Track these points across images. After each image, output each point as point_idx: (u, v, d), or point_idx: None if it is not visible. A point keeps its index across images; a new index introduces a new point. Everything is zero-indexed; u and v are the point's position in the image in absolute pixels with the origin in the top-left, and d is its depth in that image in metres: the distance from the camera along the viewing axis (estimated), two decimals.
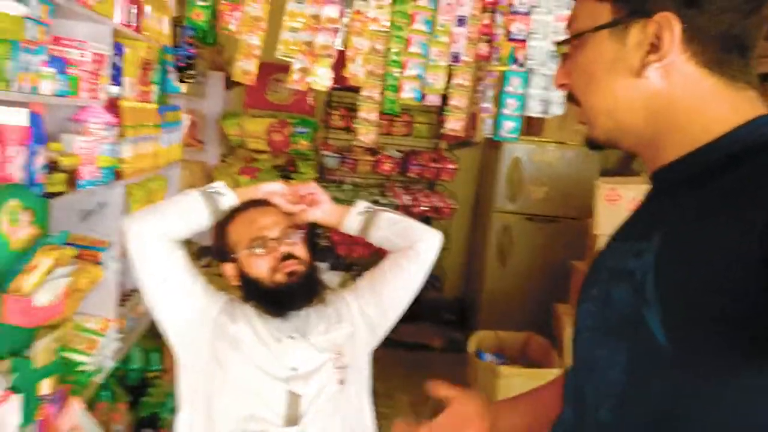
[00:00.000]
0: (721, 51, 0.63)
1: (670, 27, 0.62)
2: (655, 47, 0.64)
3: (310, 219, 1.50)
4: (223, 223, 1.45)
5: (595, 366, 0.68)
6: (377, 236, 1.51)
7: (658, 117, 0.66)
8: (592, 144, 0.74)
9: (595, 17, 0.68)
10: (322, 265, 2.85)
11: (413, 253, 1.49)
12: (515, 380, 2.64)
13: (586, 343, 0.72)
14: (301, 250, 1.42)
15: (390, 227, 1.50)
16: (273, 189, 1.49)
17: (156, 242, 1.35)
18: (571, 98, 0.75)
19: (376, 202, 3.82)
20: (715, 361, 0.56)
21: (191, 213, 1.40)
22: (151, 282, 1.37)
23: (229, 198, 1.44)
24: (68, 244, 1.45)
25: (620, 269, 0.66)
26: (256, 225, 1.41)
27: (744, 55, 0.64)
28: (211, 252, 3.44)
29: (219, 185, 1.46)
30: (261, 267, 1.38)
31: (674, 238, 0.61)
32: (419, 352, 3.96)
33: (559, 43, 0.76)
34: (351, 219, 1.51)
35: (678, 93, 0.65)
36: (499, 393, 2.64)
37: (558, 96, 2.77)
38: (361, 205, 1.54)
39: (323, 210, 1.51)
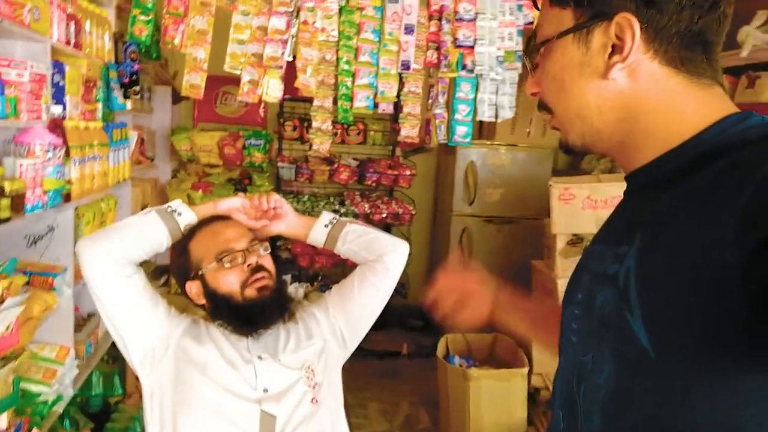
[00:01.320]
0: (684, 48, 0.63)
1: (631, 27, 0.63)
2: (617, 48, 0.64)
3: (274, 233, 1.47)
4: (184, 239, 1.40)
5: (583, 371, 0.68)
6: (344, 249, 1.48)
7: (628, 118, 0.67)
8: (568, 150, 0.74)
9: (558, 24, 0.69)
10: (285, 278, 2.82)
11: (382, 268, 1.46)
12: (485, 382, 2.66)
13: (572, 348, 0.72)
14: (269, 263, 1.39)
15: (356, 239, 1.47)
16: (232, 204, 1.45)
17: (112, 266, 1.28)
18: (543, 106, 0.75)
19: (336, 212, 3.81)
20: (699, 366, 0.56)
21: (148, 234, 1.34)
22: (110, 308, 1.31)
23: (187, 216, 1.39)
24: (18, 271, 1.38)
25: (602, 273, 0.66)
26: (222, 237, 1.36)
27: (707, 50, 0.64)
28: (168, 271, 3.36)
29: (176, 203, 1.40)
30: (231, 281, 1.33)
31: (652, 243, 0.61)
32: (388, 360, 3.96)
33: (525, 52, 0.77)
34: (316, 231, 1.48)
35: (645, 92, 0.65)
36: (471, 395, 2.65)
37: (508, 100, 2.83)
38: (326, 216, 1.50)
39: (287, 223, 1.48)
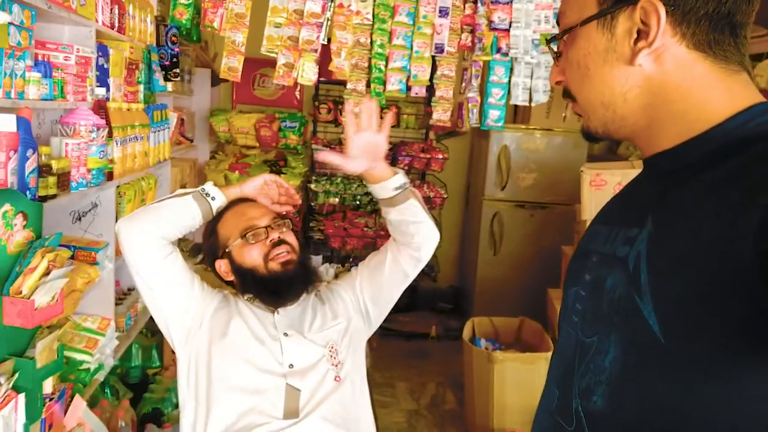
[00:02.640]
0: (712, 31, 0.62)
1: (656, 11, 0.62)
2: (643, 33, 0.63)
3: (360, 168, 1.40)
4: (213, 222, 1.49)
5: (586, 352, 0.67)
6: (390, 216, 1.46)
7: (654, 104, 0.66)
8: (589, 136, 0.74)
9: (582, 10, 0.68)
10: (316, 258, 2.88)
11: (414, 258, 1.48)
12: (510, 365, 2.68)
13: (573, 328, 0.71)
14: (292, 239, 1.46)
15: (408, 216, 1.43)
16: (257, 183, 1.50)
17: (151, 245, 1.37)
18: (567, 94, 0.74)
19: (367, 194, 3.85)
20: (709, 356, 0.55)
21: (183, 214, 1.41)
22: (149, 284, 1.39)
23: (218, 198, 1.46)
24: (63, 245, 1.47)
25: (611, 255, 0.66)
26: (246, 216, 1.46)
27: (735, 33, 0.63)
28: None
29: (208, 186, 1.48)
30: (254, 255, 1.42)
31: (666, 228, 0.60)
32: (416, 341, 4.01)
33: (549, 41, 0.76)
34: (384, 187, 1.42)
35: (672, 78, 0.64)
36: (495, 377, 2.68)
37: (542, 84, 2.80)
38: (399, 179, 1.44)
39: (376, 165, 1.42)
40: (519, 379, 2.65)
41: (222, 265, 1.48)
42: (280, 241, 1.43)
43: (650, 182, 0.70)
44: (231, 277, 1.48)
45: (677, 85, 0.64)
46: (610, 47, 0.66)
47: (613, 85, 0.67)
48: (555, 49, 0.75)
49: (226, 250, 1.45)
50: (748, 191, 0.54)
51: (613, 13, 0.65)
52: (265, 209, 1.49)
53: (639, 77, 0.65)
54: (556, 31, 0.75)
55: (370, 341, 1.58)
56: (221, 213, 1.48)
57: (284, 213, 1.52)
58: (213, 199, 1.45)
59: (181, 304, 1.41)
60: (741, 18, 0.63)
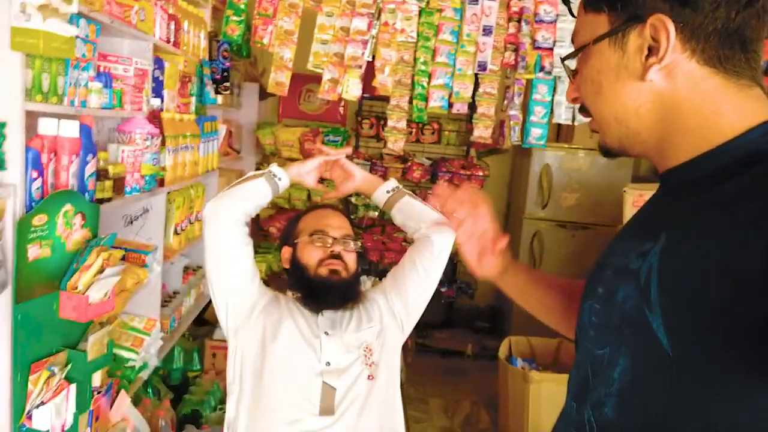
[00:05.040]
0: (722, 47, 0.63)
1: (665, 28, 0.63)
2: (654, 49, 0.65)
3: (349, 190, 1.66)
4: (300, 213, 1.64)
5: (599, 364, 0.68)
6: (397, 218, 1.63)
7: (666, 120, 0.66)
8: (605, 151, 0.75)
9: (594, 29, 0.70)
10: (365, 279, 2.92)
11: (428, 252, 1.58)
12: (546, 385, 2.65)
13: (589, 341, 0.72)
14: (350, 259, 1.54)
15: (408, 211, 1.61)
16: (315, 163, 1.63)
17: (234, 223, 1.47)
18: (583, 110, 0.76)
19: None
20: (716, 371, 0.56)
21: (257, 194, 1.53)
22: (221, 267, 1.48)
23: (284, 181, 1.57)
24: (115, 247, 1.54)
25: (624, 267, 0.66)
26: (324, 221, 1.57)
27: (746, 49, 0.63)
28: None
29: (276, 170, 1.58)
30: (312, 256, 1.52)
31: (677, 243, 0.61)
32: (452, 359, 3.99)
33: (564, 59, 0.78)
34: (379, 193, 1.64)
35: (683, 93, 0.65)
36: (531, 398, 2.65)
37: None
38: (391, 183, 1.66)
39: (355, 181, 1.64)
40: (555, 400, 2.61)
41: (286, 252, 1.60)
42: (339, 256, 1.51)
43: (664, 197, 0.71)
44: (287, 266, 1.60)
45: (688, 100, 0.65)
46: (622, 64, 0.68)
47: (626, 101, 0.68)
48: (571, 68, 0.77)
49: (295, 241, 1.57)
50: (758, 208, 0.55)
51: (624, 31, 0.67)
52: (343, 224, 1.60)
53: (650, 93, 0.66)
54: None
55: (405, 356, 1.61)
56: (309, 210, 1.65)
57: (359, 243, 1.62)
58: (279, 179, 1.55)
59: (243, 293, 1.49)
60: (751, 33, 0.63)
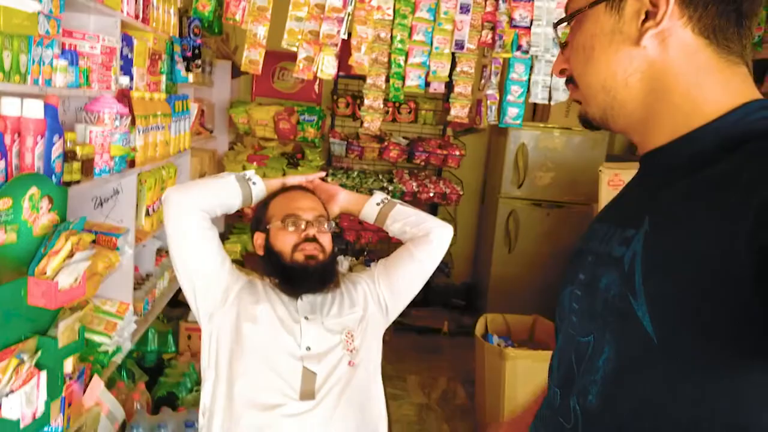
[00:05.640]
0: (718, 16, 0.63)
1: None
2: (651, 14, 0.64)
3: (334, 213, 1.62)
4: (270, 196, 1.57)
5: (583, 352, 0.67)
6: (393, 227, 1.62)
7: (654, 92, 0.66)
8: (586, 122, 0.75)
9: None
10: (342, 259, 2.91)
11: (426, 242, 1.58)
12: (522, 362, 2.68)
13: (571, 328, 0.71)
14: (326, 240, 1.51)
15: (405, 219, 1.61)
16: (298, 180, 1.64)
17: (194, 214, 1.43)
18: (571, 80, 0.75)
19: (384, 189, 3.88)
20: (701, 358, 0.56)
21: (226, 194, 1.50)
22: (186, 254, 1.45)
23: (259, 186, 1.55)
24: (85, 230, 1.51)
25: (607, 254, 0.66)
26: (295, 204, 1.52)
27: (740, 23, 0.63)
28: (222, 240, 3.52)
29: (252, 174, 1.56)
30: (286, 242, 1.48)
31: (661, 230, 0.60)
32: (429, 336, 4.03)
33: (556, 23, 0.77)
34: (369, 208, 1.63)
35: (673, 64, 0.64)
36: (506, 374, 2.69)
37: (562, 82, 2.79)
38: (379, 196, 1.65)
39: (339, 202, 1.63)
40: (530, 376, 2.65)
41: (259, 239, 1.56)
42: (314, 239, 1.48)
43: (646, 181, 0.70)
44: (261, 252, 1.55)
45: (678, 71, 0.64)
46: (617, 28, 0.67)
47: (617, 68, 0.67)
48: (560, 38, 0.76)
49: (267, 227, 1.52)
50: (741, 191, 0.54)
51: None
52: (315, 204, 1.55)
53: (642, 61, 0.66)
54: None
55: (383, 334, 1.61)
56: (278, 192, 1.58)
57: (333, 223, 1.59)
58: (254, 184, 1.53)
59: (211, 279, 1.46)
60: (748, 7, 0.63)
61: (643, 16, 0.65)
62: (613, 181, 2.67)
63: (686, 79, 0.64)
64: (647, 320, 0.58)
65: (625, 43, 0.66)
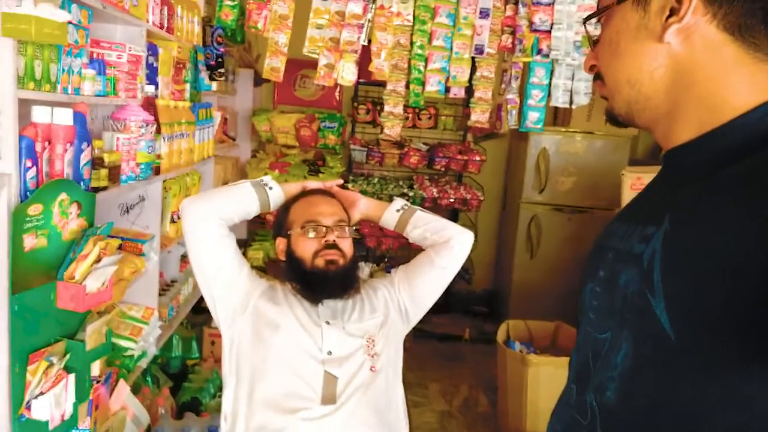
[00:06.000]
0: (744, 15, 0.62)
1: None
2: (675, 10, 0.65)
3: (355, 220, 1.62)
4: (290, 201, 1.58)
5: (601, 348, 0.67)
6: (413, 234, 1.62)
7: (679, 86, 0.66)
8: (612, 118, 0.75)
9: None
10: (365, 266, 2.92)
11: (446, 248, 1.58)
12: (544, 368, 2.66)
13: (590, 325, 0.72)
14: (347, 245, 1.51)
15: (425, 225, 1.61)
16: (316, 186, 1.64)
17: (211, 222, 1.45)
18: (598, 76, 0.76)
19: (404, 195, 3.88)
20: (719, 355, 0.55)
21: (243, 201, 1.51)
22: (204, 262, 1.47)
23: (276, 192, 1.56)
24: (112, 236, 1.53)
25: (627, 251, 0.66)
26: (315, 209, 1.53)
27: (767, 21, 0.62)
28: (245, 244, 3.55)
29: (268, 179, 1.57)
30: (307, 248, 1.49)
31: (681, 227, 0.60)
32: (450, 343, 4.01)
33: (585, 20, 0.78)
34: (389, 215, 1.63)
35: (698, 58, 0.64)
36: (529, 381, 2.66)
37: (584, 86, 2.77)
38: (399, 202, 1.65)
39: (359, 208, 1.64)
40: (553, 383, 2.63)
41: (281, 244, 1.57)
42: (334, 245, 1.48)
43: (668, 178, 0.70)
44: (283, 258, 1.56)
45: (702, 65, 0.64)
46: (642, 24, 0.68)
47: (641, 62, 0.68)
48: (592, 36, 0.77)
49: (288, 232, 1.53)
50: (762, 192, 0.54)
51: None
52: (336, 209, 1.56)
53: (666, 56, 0.66)
54: (598, 32, 0.76)
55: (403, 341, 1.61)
56: (298, 196, 1.59)
57: (354, 227, 1.59)
58: (270, 189, 1.54)
59: (230, 285, 1.47)
60: None
61: (667, 13, 0.65)
62: (636, 184, 2.64)
63: (711, 74, 0.64)
64: (665, 318, 0.58)
65: (650, 39, 0.67)
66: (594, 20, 0.76)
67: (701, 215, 0.59)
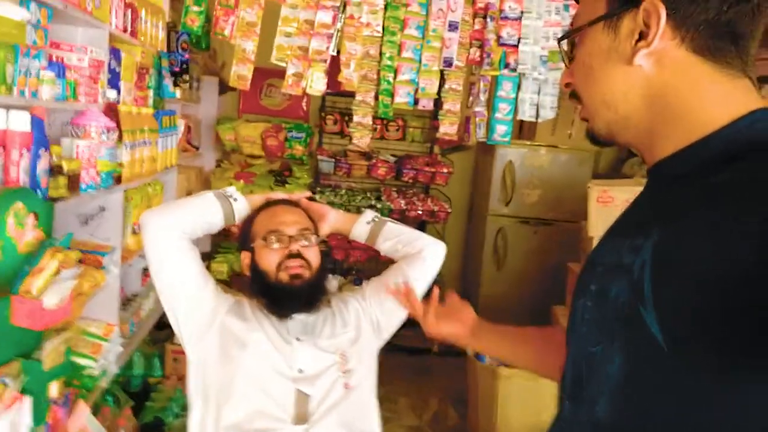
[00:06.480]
0: (712, 38, 0.63)
1: (657, 13, 0.63)
2: (644, 34, 0.65)
3: (324, 233, 1.57)
4: (254, 213, 1.51)
5: (592, 361, 0.67)
6: (384, 246, 1.58)
7: (655, 106, 0.67)
8: (594, 138, 0.75)
9: (592, 13, 0.70)
10: (334, 278, 2.86)
11: (419, 261, 1.55)
12: (515, 381, 2.65)
13: (581, 338, 0.71)
14: (312, 255, 1.45)
15: (396, 237, 1.57)
16: (281, 196, 1.58)
17: (173, 236, 1.38)
18: (574, 95, 0.77)
19: (372, 207, 3.85)
20: (711, 366, 0.55)
21: (206, 213, 1.44)
22: (166, 278, 1.39)
23: (241, 203, 1.49)
24: (71, 248, 1.45)
25: (616, 264, 0.66)
26: (278, 219, 1.46)
27: (738, 43, 0.64)
28: (210, 258, 3.45)
29: (232, 190, 1.51)
30: (270, 261, 1.42)
31: (670, 237, 0.60)
32: (419, 356, 3.96)
33: (560, 39, 0.78)
34: (359, 228, 1.59)
35: (671, 79, 0.65)
36: (500, 394, 2.65)
37: (549, 100, 2.81)
38: (369, 215, 1.61)
39: (329, 221, 1.59)
40: (524, 396, 2.62)
41: (245, 258, 1.50)
42: (298, 254, 1.42)
43: (654, 192, 0.71)
44: (248, 272, 1.49)
45: (675, 86, 0.65)
46: (613, 47, 0.68)
47: (614, 84, 0.69)
48: (567, 52, 0.77)
49: (251, 245, 1.46)
50: (748, 201, 0.55)
51: (618, 15, 0.68)
52: (299, 218, 1.49)
53: (639, 78, 0.67)
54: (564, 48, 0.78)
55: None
56: (262, 207, 1.52)
57: (319, 236, 1.53)
58: (235, 200, 1.48)
59: (194, 302, 1.40)
60: (742, 29, 0.64)
61: (636, 37, 0.66)
62: (602, 197, 2.68)
63: (685, 94, 0.65)
64: (656, 328, 0.58)
65: (621, 62, 0.68)
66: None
67: (690, 225, 0.59)
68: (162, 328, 2.67)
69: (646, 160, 0.72)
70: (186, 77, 2.59)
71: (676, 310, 0.57)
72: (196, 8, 2.47)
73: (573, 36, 0.74)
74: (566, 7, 2.66)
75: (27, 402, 1.18)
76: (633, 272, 0.62)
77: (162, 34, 2.33)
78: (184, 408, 2.24)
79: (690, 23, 0.63)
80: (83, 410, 1.50)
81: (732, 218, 0.55)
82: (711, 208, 0.58)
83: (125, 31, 1.95)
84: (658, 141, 0.68)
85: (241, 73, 2.56)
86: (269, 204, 1.54)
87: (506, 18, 2.66)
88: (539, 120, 2.88)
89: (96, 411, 1.80)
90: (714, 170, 0.60)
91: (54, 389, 1.34)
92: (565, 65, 0.78)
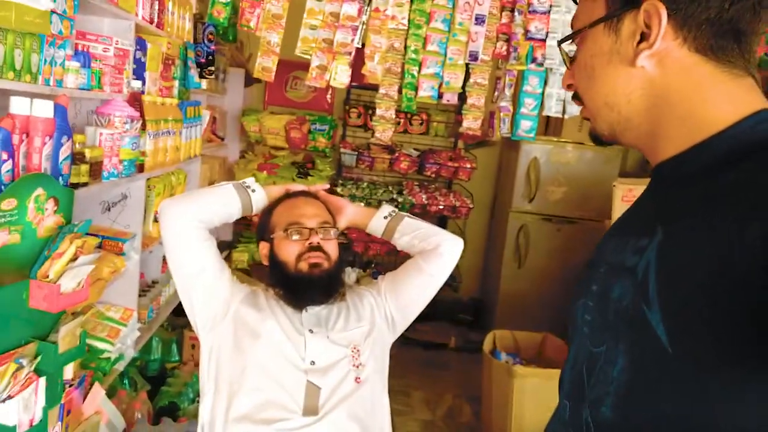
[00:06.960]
0: (714, 36, 0.63)
1: (658, 14, 0.63)
2: (646, 35, 0.65)
3: (341, 227, 1.58)
4: (273, 204, 1.52)
5: (596, 362, 0.67)
6: (401, 241, 1.58)
7: (657, 107, 0.66)
8: (596, 138, 0.75)
9: (592, 14, 0.70)
10: (351, 270, 2.87)
11: (435, 255, 1.54)
12: (530, 380, 2.63)
13: (584, 340, 0.71)
14: (331, 248, 1.46)
15: (413, 232, 1.57)
16: (300, 188, 1.59)
17: (190, 225, 1.40)
18: (576, 97, 0.76)
19: (393, 201, 3.85)
20: (716, 367, 0.55)
21: (224, 203, 1.46)
22: (183, 267, 1.42)
23: (259, 194, 1.50)
24: (91, 234, 1.48)
25: (620, 265, 0.66)
26: (298, 211, 1.48)
27: (740, 40, 0.63)
28: (230, 247, 3.50)
29: (250, 181, 1.52)
30: (290, 252, 1.44)
31: (674, 238, 0.60)
32: (435, 351, 3.97)
33: (560, 42, 0.77)
34: (376, 222, 1.59)
35: (673, 80, 0.65)
36: (515, 392, 2.63)
37: None
38: (386, 209, 1.61)
39: (346, 215, 1.60)
40: (539, 395, 2.60)
41: (264, 248, 1.52)
42: (318, 247, 1.43)
43: (658, 191, 0.70)
44: (266, 262, 1.51)
45: (678, 87, 0.65)
46: (615, 49, 0.68)
47: (616, 86, 0.68)
48: (569, 55, 0.77)
49: (271, 236, 1.48)
50: (752, 202, 0.54)
51: (619, 16, 0.67)
52: (319, 211, 1.51)
53: (641, 79, 0.67)
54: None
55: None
56: (281, 199, 1.54)
57: (338, 229, 1.54)
58: (253, 191, 1.49)
59: (210, 291, 1.43)
60: (744, 26, 0.63)
61: (638, 38, 0.65)
62: (627, 196, 2.63)
63: (688, 95, 0.64)
64: (661, 329, 0.58)
65: (623, 63, 0.67)
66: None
67: (695, 225, 0.59)
68: (180, 314, 2.70)
69: (649, 160, 0.71)
70: (212, 68, 2.61)
71: (680, 312, 0.57)
72: (222, 0, 2.48)
73: (575, 37, 0.73)
74: None
75: (41, 383, 1.21)
76: (637, 273, 0.61)
77: (188, 26, 2.36)
78: (199, 394, 2.28)
79: (692, 23, 0.63)
80: (98, 392, 1.54)
81: (739, 218, 0.54)
82: (714, 209, 0.57)
83: (151, 22, 1.97)
84: (661, 142, 0.67)
85: (265, 65, 2.57)
86: (288, 196, 1.55)
87: (534, 12, 2.62)
88: (566, 116, 2.83)
89: (112, 394, 1.85)
90: (718, 171, 0.60)
91: (69, 371, 1.37)
92: (566, 66, 0.77)
